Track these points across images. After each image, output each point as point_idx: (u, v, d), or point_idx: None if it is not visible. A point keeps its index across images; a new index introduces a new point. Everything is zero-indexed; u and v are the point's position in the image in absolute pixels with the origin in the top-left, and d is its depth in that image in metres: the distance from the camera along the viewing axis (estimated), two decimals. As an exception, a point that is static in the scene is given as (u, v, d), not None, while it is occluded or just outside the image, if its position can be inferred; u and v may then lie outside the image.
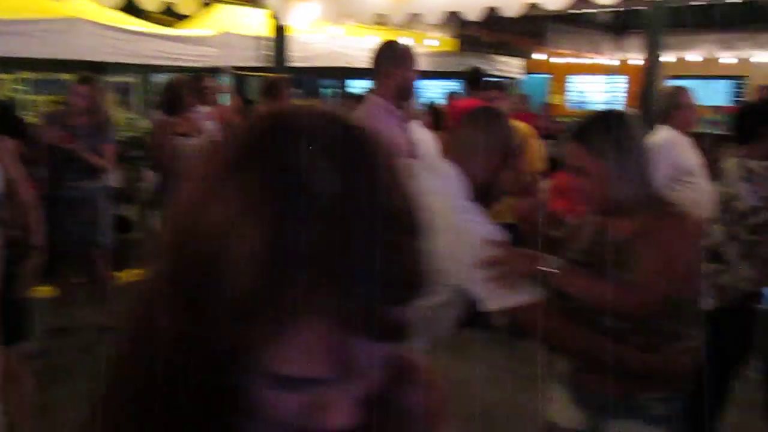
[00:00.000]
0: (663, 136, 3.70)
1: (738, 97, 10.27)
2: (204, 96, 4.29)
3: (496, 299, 1.53)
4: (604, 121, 1.64)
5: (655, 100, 4.28)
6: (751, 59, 7.95)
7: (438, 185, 1.63)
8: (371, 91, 2.93)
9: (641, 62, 4.16)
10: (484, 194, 1.71)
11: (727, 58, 8.01)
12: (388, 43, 2.90)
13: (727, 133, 3.24)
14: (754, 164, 2.77)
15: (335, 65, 7.02)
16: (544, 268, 1.47)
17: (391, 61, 2.80)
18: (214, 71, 6.20)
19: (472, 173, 1.68)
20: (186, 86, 3.93)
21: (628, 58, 8.59)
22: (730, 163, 2.82)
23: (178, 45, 5.82)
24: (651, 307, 1.53)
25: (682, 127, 3.74)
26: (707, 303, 2.82)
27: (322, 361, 0.40)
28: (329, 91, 10.49)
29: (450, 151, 1.77)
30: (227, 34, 6.07)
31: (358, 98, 7.21)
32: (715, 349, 2.88)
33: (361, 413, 0.44)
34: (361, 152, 0.43)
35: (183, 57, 5.83)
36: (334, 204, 0.40)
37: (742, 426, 3.01)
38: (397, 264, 0.40)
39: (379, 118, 2.69)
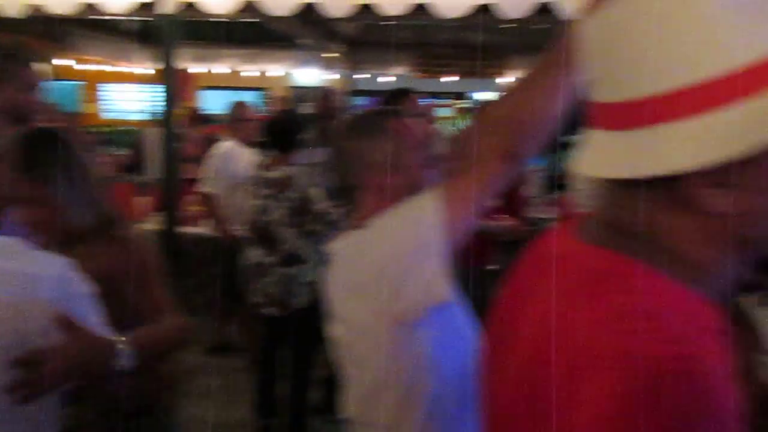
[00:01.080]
0: (224, 147, 4.11)
1: (265, 106, 11.59)
2: None
3: None
4: (37, 142, 1.45)
5: (181, 108, 4.55)
6: (268, 73, 9.06)
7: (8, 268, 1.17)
8: None
9: (174, 71, 4.37)
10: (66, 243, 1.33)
11: (250, 71, 8.94)
12: None
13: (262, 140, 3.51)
14: (318, 171, 3.21)
15: None
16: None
17: None
18: None
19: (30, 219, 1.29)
20: None
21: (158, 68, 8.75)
22: (299, 171, 3.15)
23: None
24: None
25: (245, 138, 4.18)
26: (300, 302, 3.14)
27: None
28: None
29: None
30: None
31: None
32: (307, 341, 3.16)
33: None
34: None
35: None
36: None
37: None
38: None
39: None
